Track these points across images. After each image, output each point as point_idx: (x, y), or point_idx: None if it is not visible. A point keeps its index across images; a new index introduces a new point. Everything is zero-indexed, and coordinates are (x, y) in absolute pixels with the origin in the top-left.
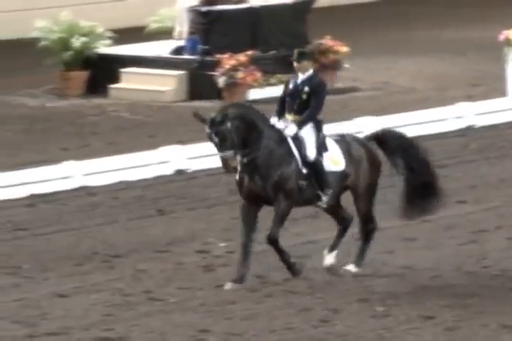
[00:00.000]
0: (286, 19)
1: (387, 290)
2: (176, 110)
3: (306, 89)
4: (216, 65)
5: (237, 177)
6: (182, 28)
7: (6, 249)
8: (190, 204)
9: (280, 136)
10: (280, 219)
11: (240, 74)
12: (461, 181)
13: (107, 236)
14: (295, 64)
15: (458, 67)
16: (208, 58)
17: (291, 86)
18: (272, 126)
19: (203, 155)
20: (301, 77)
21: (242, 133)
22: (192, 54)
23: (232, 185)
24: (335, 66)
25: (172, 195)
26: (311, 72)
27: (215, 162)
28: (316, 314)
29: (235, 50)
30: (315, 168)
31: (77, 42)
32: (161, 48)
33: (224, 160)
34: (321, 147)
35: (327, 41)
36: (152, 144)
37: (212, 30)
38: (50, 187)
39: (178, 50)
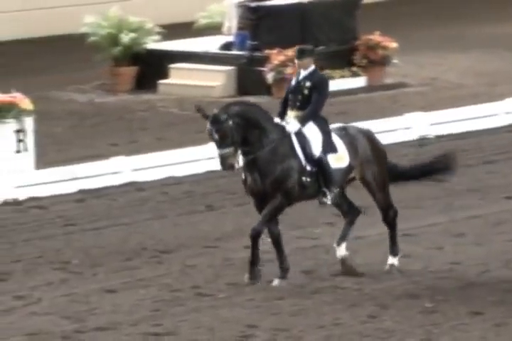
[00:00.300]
0: (335, 14)
1: (436, 286)
2: None
3: (308, 84)
4: (265, 60)
5: (243, 175)
6: (231, 23)
7: (55, 243)
8: (238, 200)
9: (283, 134)
10: (270, 215)
11: (288, 70)
12: (510, 177)
13: (156, 231)
14: (296, 61)
15: (507, 62)
16: (257, 54)
17: (293, 82)
18: (275, 124)
19: None
20: (302, 73)
21: (243, 131)
22: (241, 49)
23: None
24: (384, 62)
25: (221, 190)
26: (312, 67)
27: None
28: (364, 310)
29: (284, 45)
30: (320, 165)
31: (126, 37)
32: (210, 44)
33: (222, 158)
34: (329, 146)
35: (376, 37)
36: (201, 139)
37: (261, 25)
38: (99, 182)
39: (226, 46)
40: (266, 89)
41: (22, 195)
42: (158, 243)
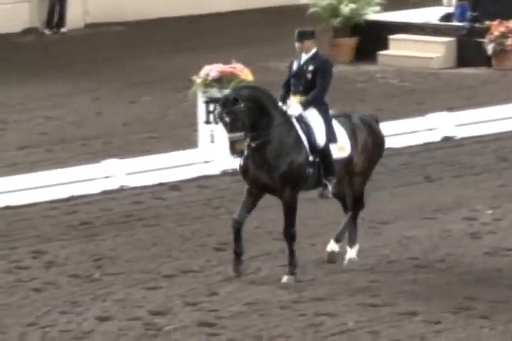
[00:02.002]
0: None
1: None
2: (444, 77)
3: (311, 67)
4: (485, 31)
5: (242, 162)
6: None
7: (272, 214)
8: (457, 172)
9: (289, 123)
10: (292, 213)
11: (509, 41)
12: None
13: (374, 202)
14: (297, 44)
15: None
16: (477, 25)
17: (294, 67)
18: (282, 112)
19: (471, 122)
20: (304, 56)
21: (253, 116)
22: (461, 21)
23: (499, 152)
24: None
25: (439, 161)
26: (314, 50)
27: (483, 129)
28: None
29: (505, 16)
30: (323, 155)
31: (346, 8)
32: (430, 15)
33: (232, 142)
34: (331, 135)
35: None
36: (420, 111)
37: None
38: None
39: (446, 17)
40: (486, 61)
41: None
42: (376, 214)
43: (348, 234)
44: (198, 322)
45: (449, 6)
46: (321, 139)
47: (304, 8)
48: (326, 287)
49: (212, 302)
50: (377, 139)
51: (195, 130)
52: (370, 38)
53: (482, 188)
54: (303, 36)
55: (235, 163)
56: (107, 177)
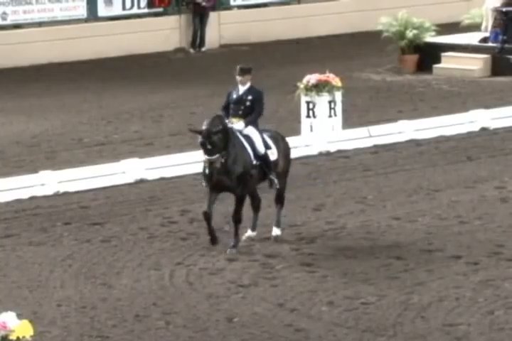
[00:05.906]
0: None
1: None
2: (482, 84)
3: (250, 97)
4: None
5: (207, 171)
6: (487, 23)
7: (356, 184)
8: (491, 153)
9: (237, 138)
10: (241, 204)
11: None
12: None
13: (430, 175)
14: (238, 77)
15: None
16: (506, 45)
17: (234, 96)
18: (233, 132)
19: (502, 117)
20: (241, 88)
21: (224, 142)
22: (494, 42)
23: None
24: None
25: (478, 146)
26: (249, 84)
27: (511, 122)
28: None
29: None
30: (264, 159)
31: (410, 33)
32: (472, 38)
33: (210, 162)
34: (266, 144)
35: None
36: (464, 108)
37: (510, 24)
38: (388, 139)
39: (484, 40)
40: None
41: (332, 148)
42: (431, 184)
43: (276, 217)
44: (300, 263)
45: (486, 31)
46: (261, 148)
47: (379, 33)
48: (394, 237)
49: (311, 248)
50: (288, 148)
51: (299, 122)
52: (428, 55)
53: (510, 165)
54: (243, 71)
55: (327, 146)
56: None
